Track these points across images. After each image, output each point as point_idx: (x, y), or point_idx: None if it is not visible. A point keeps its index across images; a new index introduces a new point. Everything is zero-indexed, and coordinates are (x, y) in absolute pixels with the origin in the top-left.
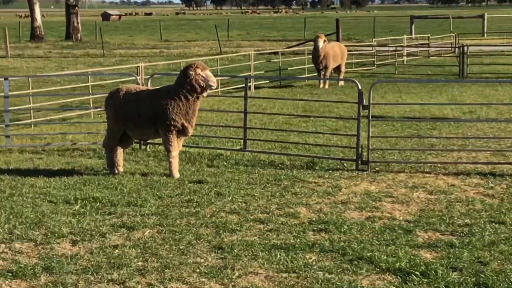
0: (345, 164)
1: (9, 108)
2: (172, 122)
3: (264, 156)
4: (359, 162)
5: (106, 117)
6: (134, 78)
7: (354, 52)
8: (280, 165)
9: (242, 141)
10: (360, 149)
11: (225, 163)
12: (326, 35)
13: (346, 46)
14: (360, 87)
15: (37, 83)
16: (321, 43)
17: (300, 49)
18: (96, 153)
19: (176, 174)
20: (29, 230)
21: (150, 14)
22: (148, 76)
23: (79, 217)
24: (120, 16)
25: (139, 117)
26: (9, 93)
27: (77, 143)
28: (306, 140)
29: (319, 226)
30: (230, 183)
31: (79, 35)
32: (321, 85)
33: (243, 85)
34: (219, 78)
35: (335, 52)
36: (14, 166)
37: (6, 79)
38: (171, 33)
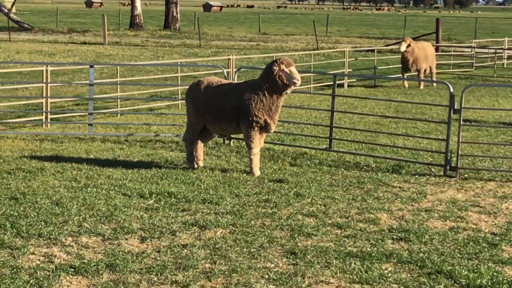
0: (432, 170)
1: (94, 96)
2: (254, 118)
3: (350, 157)
4: (448, 168)
5: (186, 110)
6: (221, 70)
7: (452, 53)
8: (365, 167)
9: (328, 140)
10: (449, 154)
11: (308, 163)
12: (426, 34)
13: (445, 46)
14: (451, 90)
15: (130, 72)
16: (403, 46)
17: (398, 47)
18: (178, 145)
19: (257, 172)
20: (99, 223)
21: (251, 6)
22: (236, 69)
23: (152, 212)
24: (221, 7)
25: (220, 111)
26: (94, 81)
27: (160, 134)
28: (395, 142)
29: (399, 234)
30: (311, 184)
31: (177, 25)
32: (407, 85)
33: (338, 82)
34: (308, 74)
35: (426, 53)
36: (94, 156)
37: (91, 66)
38: (270, 26)
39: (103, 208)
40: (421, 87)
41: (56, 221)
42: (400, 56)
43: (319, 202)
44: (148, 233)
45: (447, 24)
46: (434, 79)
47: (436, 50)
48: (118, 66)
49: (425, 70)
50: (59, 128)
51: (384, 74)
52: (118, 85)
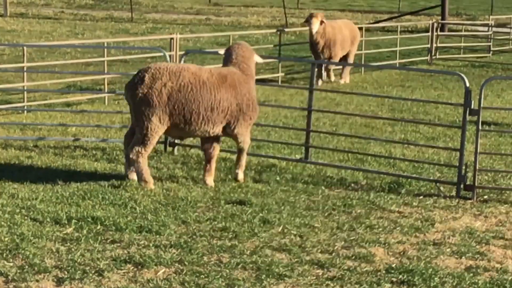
0: (441, 189)
1: None
2: (256, 113)
3: (332, 171)
4: (462, 186)
5: (135, 111)
6: (161, 54)
7: (463, 33)
8: (352, 185)
9: (303, 148)
10: (463, 168)
11: (277, 178)
12: (428, 8)
13: (454, 24)
14: (467, 85)
15: (39, 53)
16: (315, 25)
17: (392, 25)
18: (105, 153)
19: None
20: (0, 259)
21: None
22: (182, 53)
23: (71, 244)
24: None
25: (207, 109)
26: None
27: (81, 138)
28: (391, 152)
29: (400, 276)
30: (283, 207)
31: None
32: (320, 83)
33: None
34: (273, 60)
35: (344, 36)
36: None
37: None
38: None
39: (6, 239)
40: (332, 78)
41: None
42: (308, 38)
43: (293, 232)
44: (66, 272)
45: None
46: (346, 73)
47: (442, 28)
48: (24, 47)
49: (340, 59)
50: None
51: (374, 59)
52: (25, 73)
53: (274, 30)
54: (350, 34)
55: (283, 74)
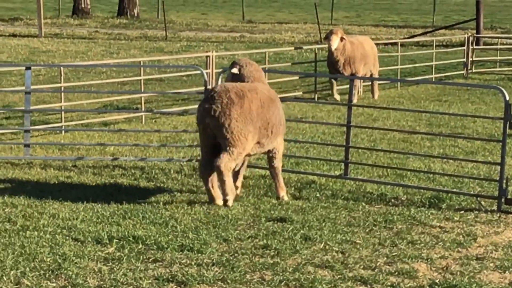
0: (482, 203)
1: (32, 108)
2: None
3: (372, 187)
4: (503, 200)
5: (224, 131)
6: (198, 72)
7: (499, 47)
8: (393, 201)
9: (342, 164)
10: (504, 182)
11: (317, 195)
12: (462, 22)
13: (489, 37)
14: (507, 98)
15: (75, 73)
16: (335, 42)
17: (427, 39)
18: (144, 172)
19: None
20: (43, 279)
21: None
22: (219, 71)
23: (113, 263)
24: None
25: (276, 124)
26: (32, 87)
27: (120, 158)
28: (430, 167)
29: None
30: (323, 224)
31: (135, 11)
32: (338, 97)
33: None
34: (310, 78)
35: (365, 51)
36: (32, 187)
37: (28, 68)
38: (257, 12)
39: (48, 259)
40: (355, 99)
41: None
42: (327, 55)
43: (335, 249)
44: None
45: (489, 7)
46: (375, 89)
47: (477, 42)
48: (61, 68)
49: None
50: None
51: (410, 74)
52: (62, 93)
53: (311, 46)
54: (371, 51)
55: (320, 90)
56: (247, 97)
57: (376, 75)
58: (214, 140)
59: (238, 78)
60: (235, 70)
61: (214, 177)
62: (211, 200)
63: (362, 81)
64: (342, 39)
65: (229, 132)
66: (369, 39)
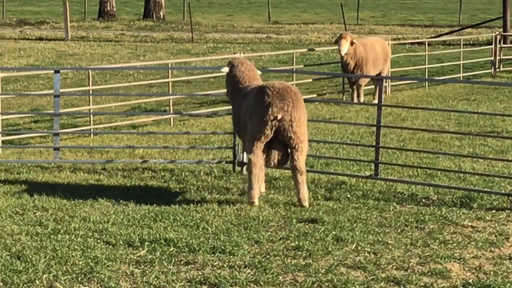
0: None
1: (61, 111)
2: None
3: (402, 187)
4: None
5: (291, 126)
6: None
7: None
8: (423, 200)
9: (372, 165)
10: None
11: (348, 195)
12: (489, 21)
13: None
14: None
15: (102, 76)
16: (345, 47)
17: (454, 38)
18: (173, 175)
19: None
20: (76, 283)
21: None
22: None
23: (145, 266)
24: None
25: None
26: (61, 90)
27: (149, 160)
28: (461, 166)
29: None
30: (355, 225)
31: (161, 13)
32: (355, 99)
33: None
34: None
35: (376, 54)
36: (62, 191)
37: (57, 72)
38: (283, 12)
39: (80, 262)
40: (362, 99)
41: (19, 281)
42: (340, 59)
43: (367, 249)
44: None
45: None
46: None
47: (504, 40)
48: (89, 71)
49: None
50: (14, 154)
51: (438, 74)
52: (91, 96)
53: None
54: (383, 52)
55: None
56: (297, 94)
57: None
58: (274, 136)
59: (231, 78)
60: (225, 70)
61: (262, 175)
62: (252, 198)
63: (385, 81)
64: (352, 43)
65: (299, 127)
66: (381, 40)
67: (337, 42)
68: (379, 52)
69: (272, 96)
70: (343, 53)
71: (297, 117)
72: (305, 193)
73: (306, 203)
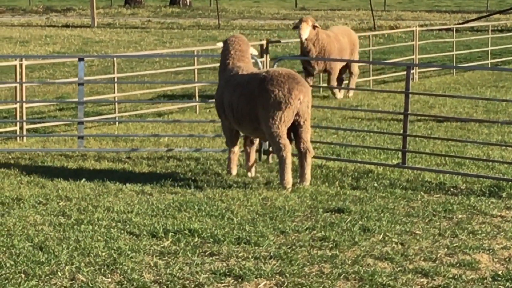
0: None
1: (86, 99)
2: None
3: (430, 176)
4: None
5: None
6: (253, 61)
7: None
8: (452, 189)
9: (400, 153)
10: None
11: (375, 184)
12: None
13: None
14: None
15: (128, 63)
16: (305, 31)
17: (482, 24)
18: (199, 163)
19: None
20: (99, 275)
21: None
22: (275, 59)
23: (169, 257)
24: None
25: None
26: (85, 78)
27: (175, 149)
28: (489, 155)
29: (508, 284)
30: (382, 214)
31: (188, 0)
32: (338, 95)
33: (403, 72)
34: (364, 64)
35: (341, 44)
36: (86, 179)
37: (81, 59)
38: None
39: (103, 253)
40: (340, 95)
41: (41, 273)
42: (300, 46)
43: (394, 240)
44: (165, 287)
45: None
46: (352, 85)
47: None
48: (114, 58)
49: (340, 71)
50: (39, 143)
51: (465, 60)
52: (116, 84)
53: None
54: (349, 42)
55: (374, 77)
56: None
57: (354, 68)
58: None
59: (221, 55)
60: (219, 45)
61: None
62: (288, 183)
63: (416, 68)
64: (314, 27)
65: (309, 111)
66: (347, 29)
67: (297, 26)
68: (343, 43)
69: (288, 80)
70: (303, 37)
71: (310, 98)
72: (310, 173)
73: (308, 183)
